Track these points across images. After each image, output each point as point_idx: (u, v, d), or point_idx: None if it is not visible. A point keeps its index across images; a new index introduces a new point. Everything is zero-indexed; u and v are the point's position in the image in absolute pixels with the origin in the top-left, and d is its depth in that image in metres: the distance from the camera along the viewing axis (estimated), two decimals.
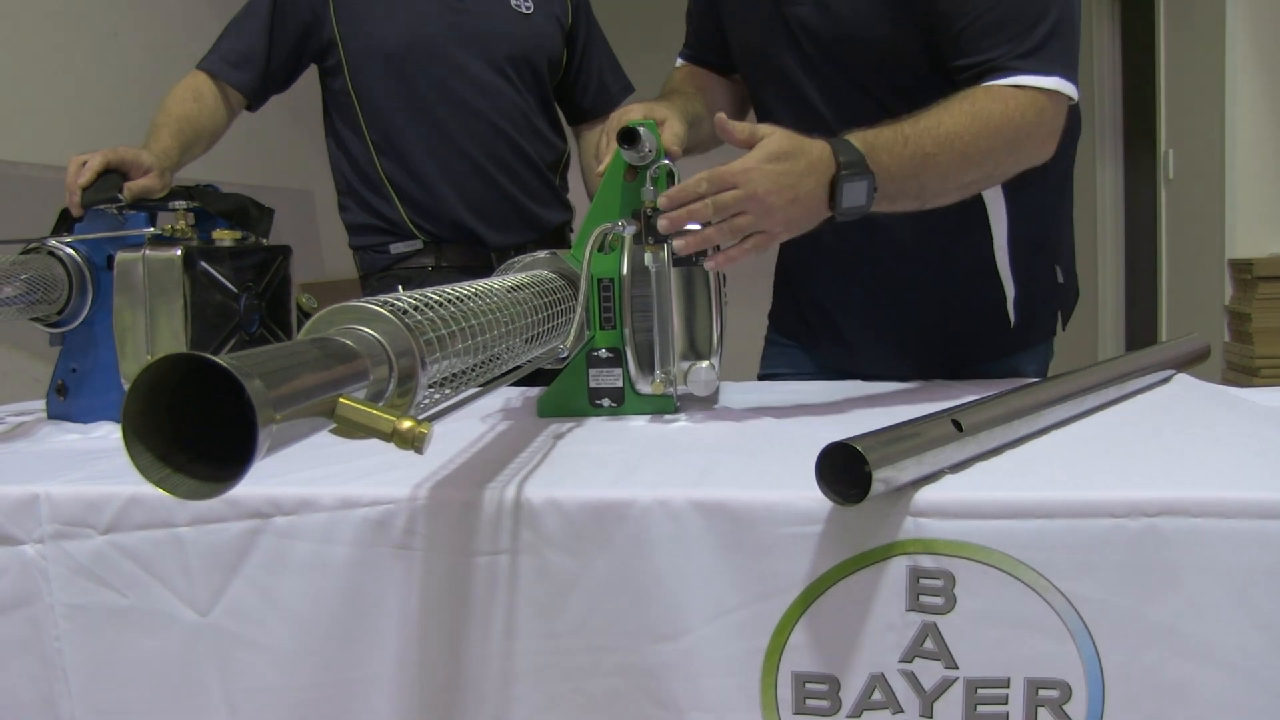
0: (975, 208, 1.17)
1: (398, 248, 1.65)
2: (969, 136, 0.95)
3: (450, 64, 1.60)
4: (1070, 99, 1.03)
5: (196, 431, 0.40)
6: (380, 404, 0.49)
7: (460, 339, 0.58)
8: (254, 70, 1.58)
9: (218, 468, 0.39)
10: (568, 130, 1.83)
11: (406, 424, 0.44)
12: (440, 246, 1.64)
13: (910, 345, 1.26)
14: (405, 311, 0.53)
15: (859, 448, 0.64)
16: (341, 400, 0.43)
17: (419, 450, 0.44)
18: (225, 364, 0.36)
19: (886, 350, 1.28)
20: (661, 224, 0.88)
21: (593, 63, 1.80)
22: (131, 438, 0.37)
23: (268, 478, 0.77)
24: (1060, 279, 1.26)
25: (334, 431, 0.46)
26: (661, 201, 0.88)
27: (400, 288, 1.71)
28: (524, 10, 1.67)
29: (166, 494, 0.38)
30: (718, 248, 0.91)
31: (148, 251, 1.09)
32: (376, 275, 1.68)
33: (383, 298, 0.55)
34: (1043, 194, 1.21)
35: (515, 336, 0.70)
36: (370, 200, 1.66)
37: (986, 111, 0.97)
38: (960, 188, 1.01)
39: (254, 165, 3.11)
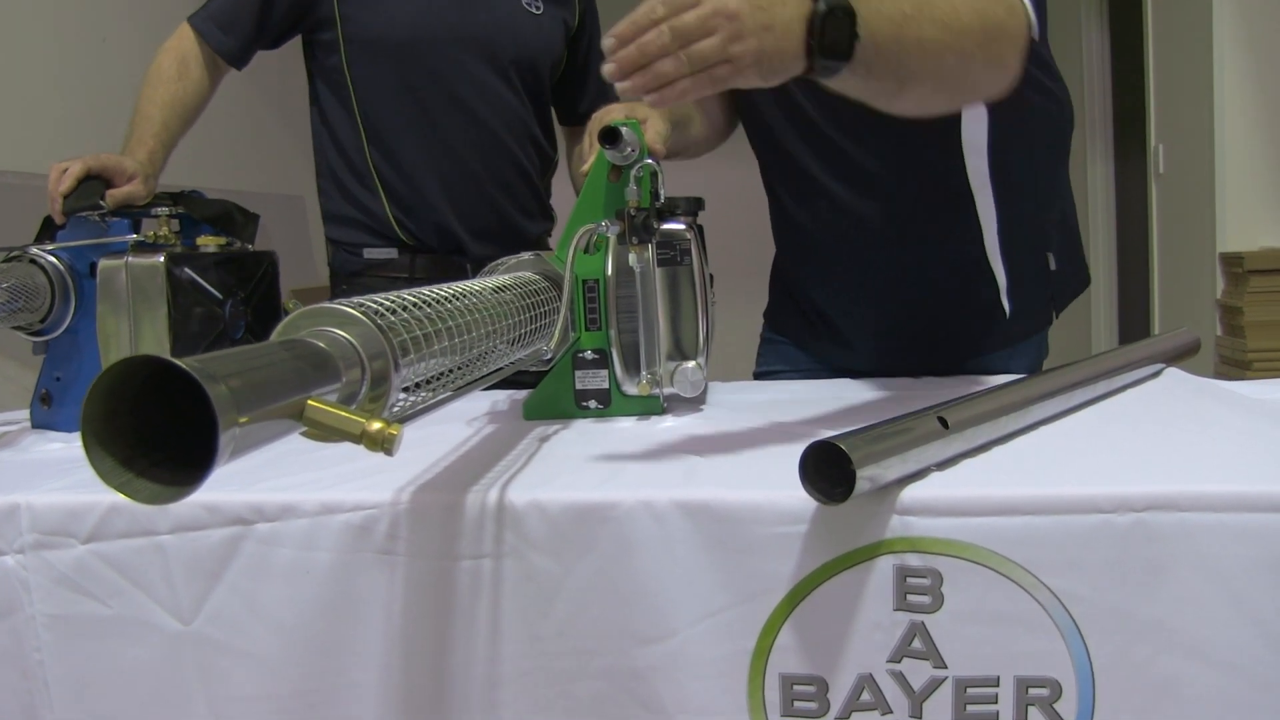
0: (964, 202, 1.16)
1: (371, 253, 1.59)
2: (946, 6, 0.86)
3: (454, 64, 1.54)
4: (1032, 31, 0.96)
5: (161, 435, 0.39)
6: (353, 407, 0.48)
7: (436, 341, 0.58)
8: (242, 34, 1.51)
9: (183, 471, 0.38)
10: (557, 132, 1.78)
11: (376, 425, 0.43)
12: (415, 257, 1.59)
13: (907, 340, 1.26)
14: (379, 313, 0.52)
15: (843, 446, 0.63)
16: (310, 402, 0.42)
17: (389, 452, 0.44)
18: (186, 366, 0.35)
19: (884, 345, 1.28)
20: (607, 69, 0.73)
21: (594, 67, 1.73)
22: (91, 442, 0.37)
23: (250, 484, 0.76)
24: (1053, 266, 1.26)
25: (305, 434, 0.45)
26: (607, 44, 0.73)
27: None
28: (534, 10, 1.61)
29: (127, 499, 0.37)
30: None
31: (130, 258, 1.08)
32: (346, 278, 1.62)
33: (358, 299, 0.54)
34: (1034, 184, 1.20)
35: (496, 338, 0.70)
36: (354, 190, 1.59)
37: None
38: (936, 76, 0.89)
39: (245, 170, 3.10)
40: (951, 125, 1.14)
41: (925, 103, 0.93)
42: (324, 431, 0.44)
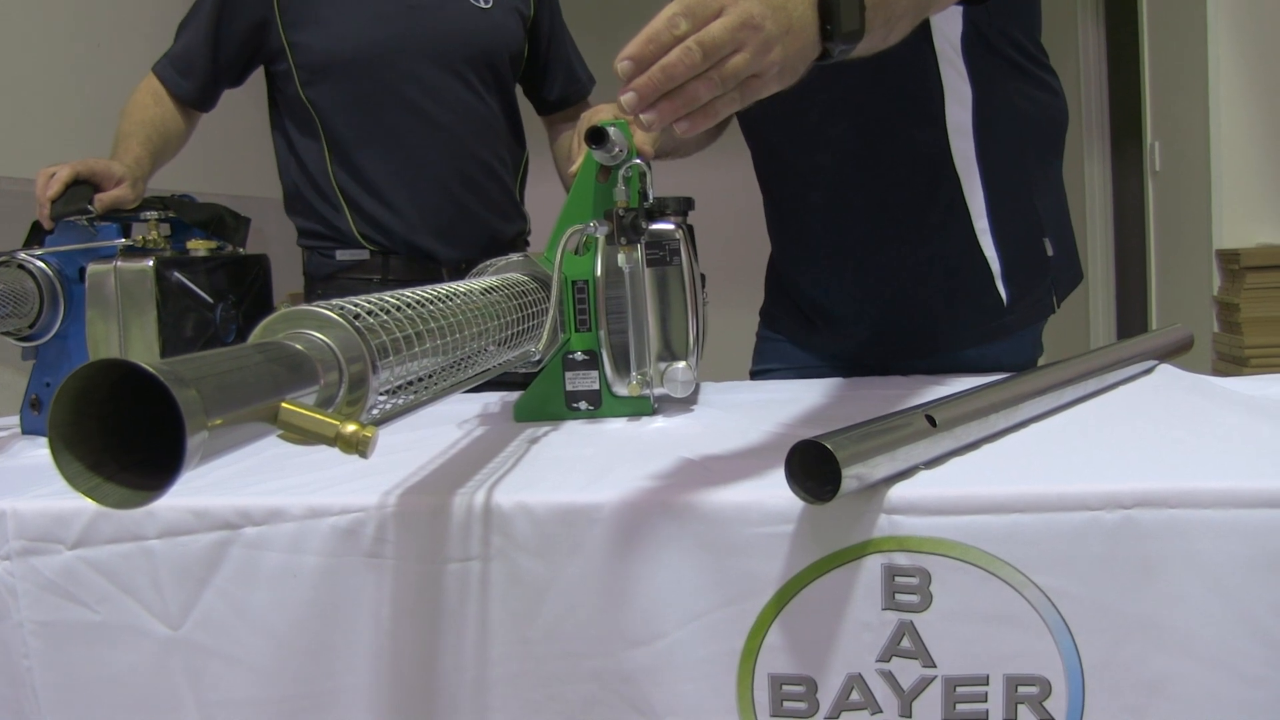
0: (948, 182, 1.16)
1: (343, 255, 1.59)
2: None
3: (404, 73, 1.53)
4: None
5: (132, 439, 0.39)
6: (330, 410, 0.48)
7: (418, 343, 0.57)
8: (198, 77, 1.53)
9: (154, 475, 0.38)
10: (527, 133, 1.76)
11: (350, 428, 0.43)
12: (388, 258, 1.58)
13: (900, 327, 1.26)
14: (358, 315, 0.52)
15: (828, 445, 0.63)
16: (284, 405, 0.42)
17: (363, 455, 0.43)
18: (153, 369, 0.35)
19: (882, 338, 1.28)
20: (627, 99, 0.63)
21: (560, 52, 1.72)
22: (59, 447, 0.36)
23: (240, 488, 0.76)
24: (1050, 252, 1.25)
25: (282, 438, 0.45)
26: (622, 66, 0.63)
27: None
28: (482, 5, 1.58)
29: (95, 504, 0.37)
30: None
31: (119, 263, 1.08)
32: (321, 281, 1.62)
33: (338, 301, 0.54)
34: (1024, 170, 1.20)
35: (480, 339, 0.70)
36: (319, 208, 1.59)
37: None
38: (915, 7, 0.84)
39: (241, 174, 3.10)
40: (926, 100, 1.14)
41: (903, 34, 0.87)
42: (298, 434, 0.43)
